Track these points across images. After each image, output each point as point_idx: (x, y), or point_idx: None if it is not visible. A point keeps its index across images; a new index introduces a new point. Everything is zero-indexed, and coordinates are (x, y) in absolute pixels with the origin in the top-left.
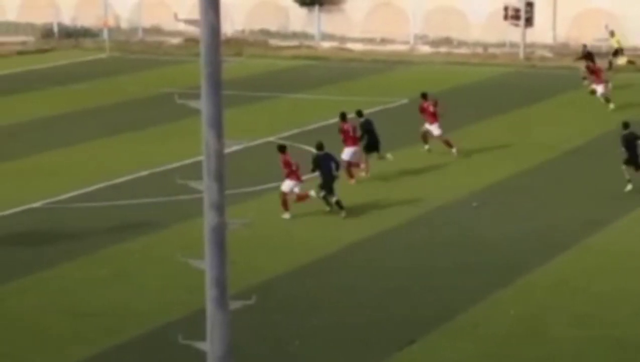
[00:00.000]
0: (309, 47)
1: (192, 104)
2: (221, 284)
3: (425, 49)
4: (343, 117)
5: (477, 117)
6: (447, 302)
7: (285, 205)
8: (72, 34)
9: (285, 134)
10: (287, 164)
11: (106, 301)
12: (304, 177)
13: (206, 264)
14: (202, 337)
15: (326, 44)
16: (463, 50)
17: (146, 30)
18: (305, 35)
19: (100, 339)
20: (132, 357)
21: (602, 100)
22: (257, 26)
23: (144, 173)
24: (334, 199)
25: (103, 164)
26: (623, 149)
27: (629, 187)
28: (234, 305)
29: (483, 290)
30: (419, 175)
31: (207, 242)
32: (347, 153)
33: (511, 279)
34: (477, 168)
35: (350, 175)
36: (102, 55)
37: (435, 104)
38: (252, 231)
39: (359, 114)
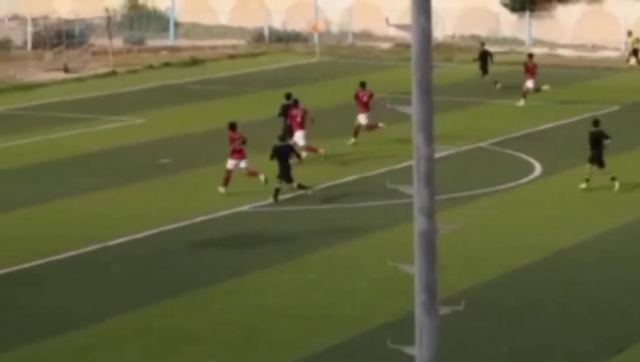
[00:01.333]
0: (519, 52)
1: (402, 109)
2: (430, 289)
3: None
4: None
5: None
6: None
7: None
8: (283, 38)
9: (495, 140)
10: (232, 141)
11: (315, 304)
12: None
13: (415, 269)
14: (411, 342)
15: (536, 50)
16: None
17: (356, 35)
18: (515, 41)
19: (308, 342)
20: (340, 360)
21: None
22: (467, 31)
23: (352, 178)
24: (294, 185)
25: (312, 168)
26: (589, 147)
27: (584, 185)
28: (443, 310)
29: None
30: None
31: (416, 247)
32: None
33: None
34: None
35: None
36: (313, 60)
37: (370, 95)
38: (462, 236)
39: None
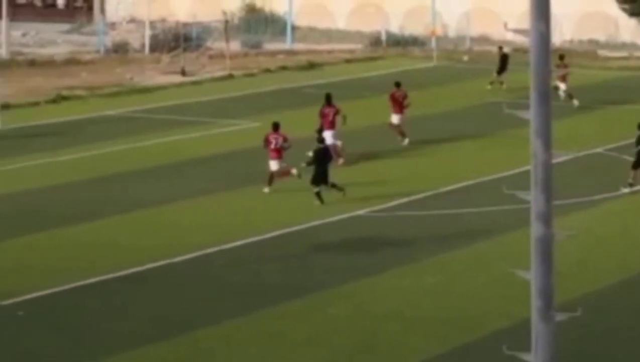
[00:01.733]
0: (638, 58)
1: (520, 113)
2: (546, 295)
3: None
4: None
5: None
6: None
7: (270, 181)
8: (400, 42)
9: (613, 145)
10: (269, 142)
11: (431, 308)
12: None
13: (531, 275)
14: (527, 348)
15: None
16: None
17: (474, 40)
18: (634, 46)
19: (425, 346)
20: None
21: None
22: (585, 36)
23: (470, 182)
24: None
25: (427, 173)
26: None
27: (626, 190)
28: (559, 317)
29: None
30: None
31: (533, 253)
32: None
33: None
34: None
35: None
36: (430, 64)
37: (405, 96)
38: (578, 242)
39: None
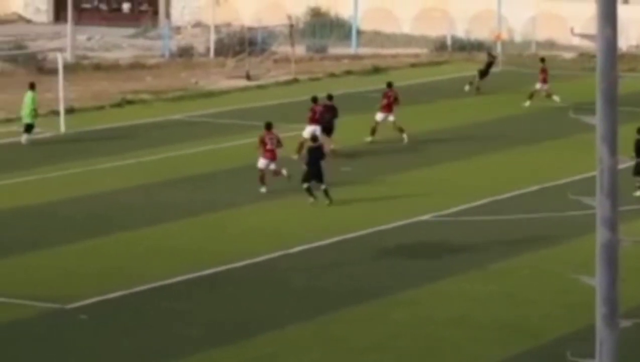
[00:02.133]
0: None
1: (586, 119)
2: (611, 301)
3: None
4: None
5: None
6: None
7: (262, 180)
8: (466, 47)
9: None
10: (263, 142)
11: (495, 314)
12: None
13: (596, 281)
14: (591, 355)
15: None
16: None
17: (540, 44)
18: None
19: (488, 352)
20: None
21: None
22: None
23: (534, 188)
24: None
25: (491, 178)
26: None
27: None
28: (624, 323)
29: None
30: None
31: (598, 259)
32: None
33: None
34: None
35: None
36: (495, 69)
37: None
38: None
39: None
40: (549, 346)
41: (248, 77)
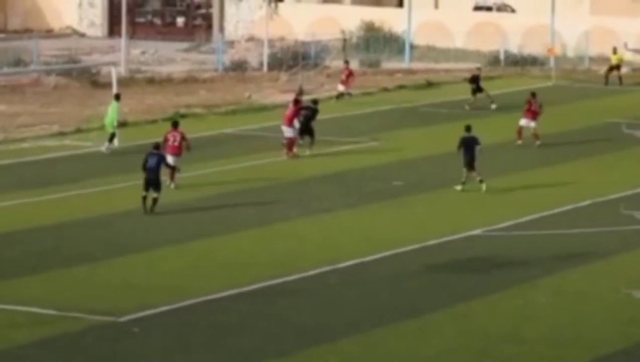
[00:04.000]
0: None
1: (639, 134)
2: None
3: None
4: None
5: None
6: None
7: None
8: (519, 62)
9: None
10: (166, 139)
11: (546, 329)
12: None
13: None
14: None
15: None
16: None
17: (592, 59)
18: None
19: None
20: None
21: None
22: None
23: (587, 202)
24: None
25: (542, 193)
26: (462, 150)
27: (459, 187)
28: None
29: None
30: None
31: None
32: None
33: None
34: None
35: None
36: (548, 84)
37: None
38: None
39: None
40: (600, 361)
41: (301, 92)
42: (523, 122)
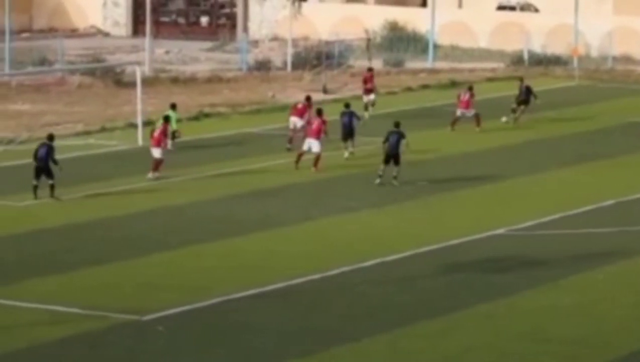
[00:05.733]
0: None
1: None
2: None
3: None
4: None
5: None
6: None
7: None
8: (542, 62)
9: None
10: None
11: (569, 328)
12: None
13: None
14: None
15: None
16: None
17: (616, 59)
18: None
19: None
20: None
21: None
22: None
23: (609, 202)
24: None
25: (566, 192)
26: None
27: (378, 180)
28: None
29: None
30: None
31: None
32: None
33: None
34: None
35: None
36: (572, 84)
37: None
38: None
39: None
40: (622, 360)
41: (325, 91)
42: (459, 112)
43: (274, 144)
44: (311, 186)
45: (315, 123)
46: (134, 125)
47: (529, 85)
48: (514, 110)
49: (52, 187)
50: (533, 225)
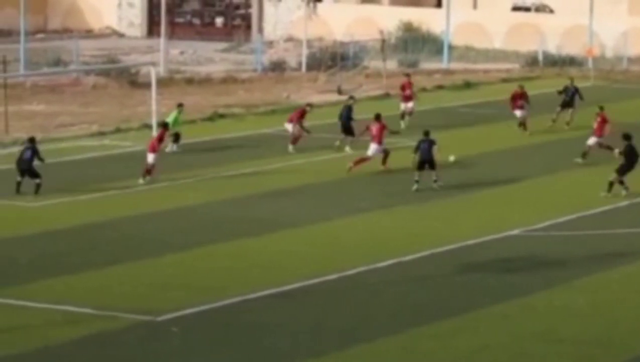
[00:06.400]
0: None
1: None
2: None
3: None
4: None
5: None
6: None
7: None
8: (557, 62)
9: None
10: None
11: (583, 329)
12: None
13: None
14: None
15: None
16: None
17: (631, 60)
18: None
19: None
20: None
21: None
22: None
23: (626, 202)
24: None
25: (581, 193)
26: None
27: (415, 186)
28: None
29: None
30: None
31: None
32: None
33: None
34: None
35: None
36: (587, 84)
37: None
38: None
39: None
40: (636, 361)
41: (340, 92)
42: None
43: (288, 145)
44: (326, 186)
45: (375, 128)
46: (148, 126)
47: (577, 87)
48: (554, 120)
49: (38, 185)
50: (548, 225)
